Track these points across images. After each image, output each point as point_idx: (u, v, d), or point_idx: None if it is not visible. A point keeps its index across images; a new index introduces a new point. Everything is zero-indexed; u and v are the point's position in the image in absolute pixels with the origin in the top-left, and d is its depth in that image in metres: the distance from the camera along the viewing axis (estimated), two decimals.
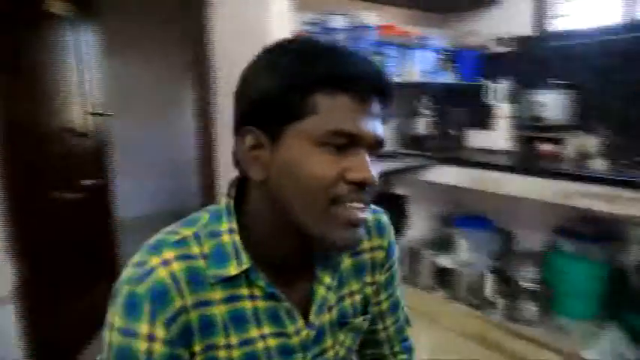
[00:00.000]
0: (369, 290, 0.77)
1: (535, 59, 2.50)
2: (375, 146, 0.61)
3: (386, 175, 2.29)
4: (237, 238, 0.62)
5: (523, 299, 2.30)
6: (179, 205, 4.54)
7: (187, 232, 0.63)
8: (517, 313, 2.29)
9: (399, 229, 2.57)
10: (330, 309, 0.70)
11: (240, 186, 0.67)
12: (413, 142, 2.60)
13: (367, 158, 0.60)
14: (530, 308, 2.27)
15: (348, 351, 0.75)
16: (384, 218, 0.80)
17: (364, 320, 0.76)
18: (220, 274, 0.61)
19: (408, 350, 0.88)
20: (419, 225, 2.81)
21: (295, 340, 0.66)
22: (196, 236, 0.62)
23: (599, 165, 2.06)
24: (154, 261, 0.59)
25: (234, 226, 0.63)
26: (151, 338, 0.56)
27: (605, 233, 2.21)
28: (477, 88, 2.57)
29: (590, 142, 2.22)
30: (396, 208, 2.53)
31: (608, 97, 2.26)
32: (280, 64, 0.59)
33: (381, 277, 0.79)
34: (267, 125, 0.59)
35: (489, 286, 2.44)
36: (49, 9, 1.98)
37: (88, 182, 2.31)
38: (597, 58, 2.27)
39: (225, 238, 0.62)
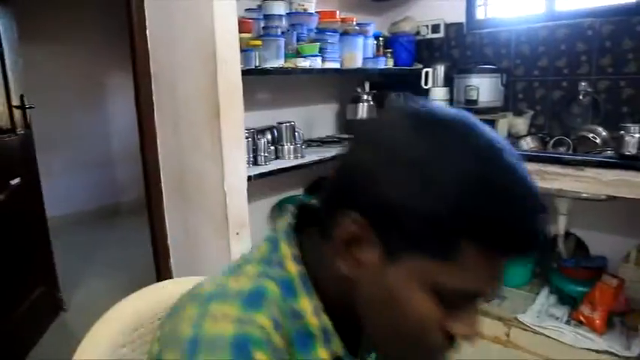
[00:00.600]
0: None
1: (466, 45, 2.64)
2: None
3: (329, 162, 2.33)
4: (325, 318, 0.51)
5: None
6: (112, 200, 4.34)
7: (263, 317, 0.48)
8: None
9: None
10: None
11: (296, 234, 0.55)
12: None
13: (477, 313, 0.50)
14: None
15: None
16: None
17: None
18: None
19: None
20: None
21: None
22: (276, 323, 0.48)
23: (527, 144, 2.23)
24: (256, 331, 0.46)
25: (318, 301, 0.51)
26: None
27: None
28: (413, 74, 2.66)
29: (519, 123, 2.39)
30: None
31: (533, 80, 2.43)
32: (444, 183, 0.43)
33: None
34: (387, 236, 0.47)
35: None
36: None
37: (15, 182, 2.15)
38: (522, 44, 2.44)
39: (312, 321, 0.51)
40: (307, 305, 0.51)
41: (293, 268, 0.52)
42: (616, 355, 1.88)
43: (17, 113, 2.21)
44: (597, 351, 1.91)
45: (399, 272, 0.46)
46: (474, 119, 0.48)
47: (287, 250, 0.53)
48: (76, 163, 4.07)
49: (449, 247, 0.43)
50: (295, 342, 0.50)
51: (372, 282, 0.49)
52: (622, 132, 1.84)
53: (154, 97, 2.07)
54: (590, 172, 1.80)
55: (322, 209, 0.53)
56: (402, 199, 0.44)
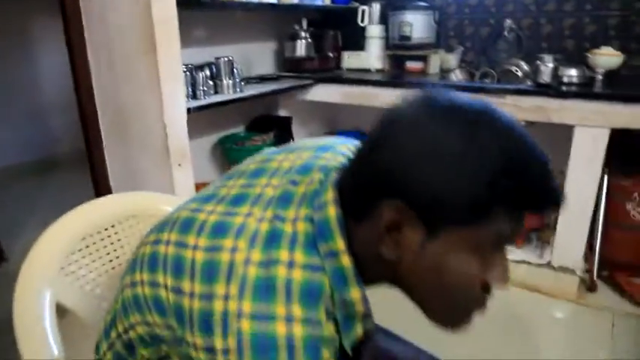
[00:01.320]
0: None
1: None
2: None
3: (268, 97, 2.37)
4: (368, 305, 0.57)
5: None
6: (45, 153, 4.17)
7: (318, 312, 0.51)
8: None
9: None
10: None
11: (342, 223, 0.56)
12: (293, 65, 2.68)
13: (508, 259, 0.57)
14: None
15: None
16: None
17: None
18: (353, 340, 0.56)
19: None
20: None
21: None
22: (327, 312, 0.53)
23: (456, 76, 2.36)
24: (319, 319, 0.51)
25: (358, 287, 0.56)
26: None
27: None
28: (350, 11, 2.70)
29: (450, 59, 2.51)
30: (281, 128, 2.63)
31: (464, 18, 2.54)
32: (480, 168, 0.49)
33: None
34: (431, 218, 0.51)
35: None
36: None
37: None
38: None
39: (359, 308, 0.56)
40: (357, 295, 0.55)
41: (345, 261, 0.54)
42: (530, 263, 2.13)
43: None
44: (516, 261, 2.15)
45: (440, 245, 0.52)
46: (493, 107, 0.54)
47: (341, 243, 0.55)
48: (4, 115, 3.85)
49: (484, 216, 0.50)
50: (341, 325, 0.54)
51: (416, 259, 0.53)
52: (538, 62, 1.99)
53: (85, 34, 2.00)
54: (511, 99, 1.96)
55: (359, 197, 0.56)
56: (445, 187, 0.49)
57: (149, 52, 1.73)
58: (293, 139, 2.74)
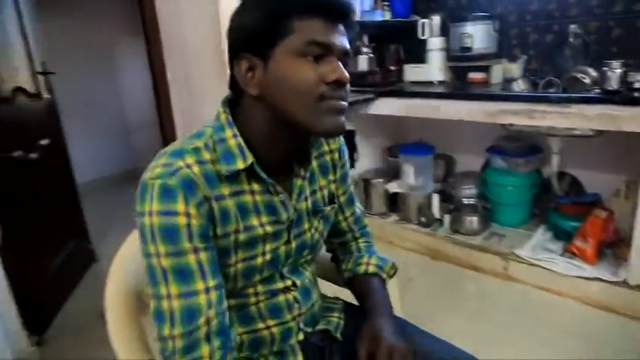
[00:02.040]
0: (332, 186, 0.96)
1: None
2: (344, 56, 0.75)
3: None
4: (241, 140, 0.76)
5: (465, 214, 2.60)
6: (131, 166, 4.55)
7: (199, 143, 0.75)
8: (461, 227, 2.59)
9: (350, 162, 2.77)
10: (306, 199, 0.88)
11: (231, 103, 0.81)
12: (356, 79, 2.76)
13: (339, 64, 0.74)
14: (472, 220, 2.58)
15: (320, 235, 0.93)
16: None
17: (332, 209, 0.95)
18: (230, 169, 0.74)
19: (366, 234, 1.08)
20: (368, 156, 3.03)
21: (285, 224, 0.83)
22: (207, 146, 0.75)
23: (518, 86, 2.33)
24: (180, 163, 0.71)
25: (237, 132, 0.77)
26: (187, 215, 0.69)
27: (529, 148, 2.51)
28: (410, 25, 2.74)
29: (513, 68, 2.48)
30: (346, 142, 2.71)
31: (526, 25, 2.51)
32: (263, 0, 0.73)
33: (338, 174, 0.97)
34: (259, 50, 0.73)
35: (436, 206, 2.72)
36: None
37: (44, 142, 2.34)
38: None
39: (231, 142, 0.76)
40: (229, 133, 0.77)
41: (222, 117, 0.79)
42: (604, 281, 2.03)
43: (41, 79, 2.38)
44: (587, 278, 2.06)
45: (277, 63, 0.72)
46: None
47: (221, 111, 0.80)
48: (93, 130, 4.27)
49: (287, 28, 0.71)
50: (221, 158, 0.75)
51: (270, 83, 0.73)
52: (605, 68, 1.93)
53: (165, 57, 2.22)
54: (575, 108, 1.91)
55: (231, 80, 0.79)
56: (253, 22, 0.72)
57: (222, 72, 1.89)
58: (357, 151, 2.82)
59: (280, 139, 0.79)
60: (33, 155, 2.20)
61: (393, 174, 2.91)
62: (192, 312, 0.69)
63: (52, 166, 2.44)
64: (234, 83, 0.78)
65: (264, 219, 0.80)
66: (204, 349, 0.69)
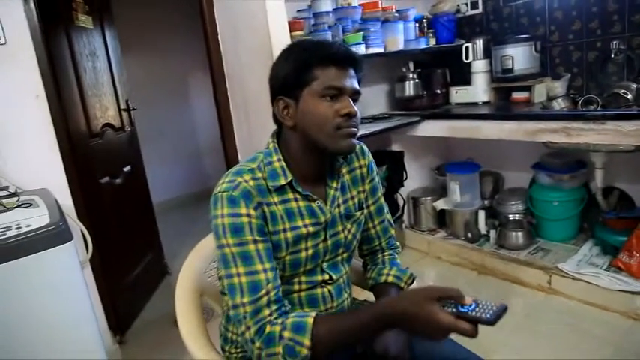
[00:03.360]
0: (362, 196, 1.15)
1: (504, 17, 2.82)
2: (354, 94, 0.99)
3: (381, 134, 2.63)
4: (283, 164, 1.00)
5: (511, 229, 2.66)
6: (199, 188, 4.95)
7: (253, 165, 0.99)
8: (507, 242, 2.65)
9: (399, 181, 2.93)
10: (338, 206, 1.08)
11: (278, 135, 1.05)
12: (403, 104, 2.93)
13: (350, 101, 0.97)
14: (517, 236, 2.64)
15: (353, 237, 1.12)
16: (365, 147, 1.18)
17: (361, 214, 1.14)
18: (276, 184, 0.98)
19: (393, 245, 1.25)
20: (417, 176, 3.17)
21: (322, 225, 1.04)
22: (259, 168, 0.99)
23: (558, 104, 2.39)
24: (239, 179, 0.95)
25: (281, 157, 1.01)
26: (248, 216, 0.92)
27: (574, 163, 2.55)
28: (455, 49, 2.88)
29: (557, 86, 2.54)
30: (395, 162, 2.88)
31: (568, 44, 2.57)
32: (292, 56, 0.99)
33: (367, 187, 1.16)
34: (291, 93, 0.98)
35: (482, 222, 2.80)
36: (80, 23, 2.33)
37: (127, 168, 2.70)
38: (555, 10, 2.58)
39: (276, 165, 1.00)
40: (274, 158, 1.01)
41: (271, 146, 1.03)
42: None
43: (124, 115, 2.76)
44: (632, 292, 2.08)
45: (304, 104, 0.97)
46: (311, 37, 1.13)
47: (270, 141, 1.04)
48: (166, 156, 4.71)
49: (311, 76, 0.95)
50: (268, 177, 0.98)
51: (300, 117, 0.98)
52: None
53: (228, 93, 2.51)
54: (611, 124, 1.96)
55: (272, 113, 1.04)
56: (285, 73, 0.98)
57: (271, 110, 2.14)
58: (405, 172, 2.97)
59: (312, 159, 1.02)
60: (118, 181, 2.56)
61: (441, 192, 3.03)
62: (255, 285, 0.90)
63: (132, 189, 2.79)
64: (275, 118, 1.03)
65: (307, 221, 1.02)
66: (266, 312, 0.89)
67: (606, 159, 2.33)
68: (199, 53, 3.52)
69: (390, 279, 1.17)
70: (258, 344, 0.87)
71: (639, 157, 2.24)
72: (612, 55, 2.37)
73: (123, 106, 2.74)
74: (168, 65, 4.62)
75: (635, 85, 2.21)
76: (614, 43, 2.35)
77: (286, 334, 0.86)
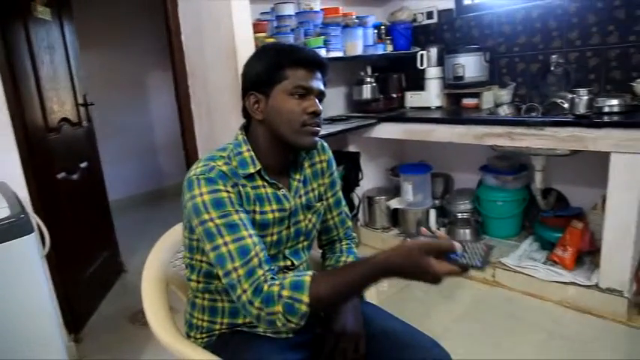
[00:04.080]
0: (321, 189, 1.23)
1: (456, 28, 3.00)
2: (320, 95, 1.07)
3: (339, 135, 2.73)
4: (253, 154, 1.07)
5: (460, 227, 2.83)
6: (156, 186, 4.90)
7: (224, 154, 1.06)
8: (455, 239, 2.79)
9: (355, 181, 3.04)
10: (300, 196, 1.16)
11: (246, 128, 1.13)
12: (360, 106, 3.05)
13: (316, 100, 1.06)
14: (465, 233, 2.80)
15: (313, 226, 1.20)
16: (325, 143, 1.26)
17: (321, 205, 1.22)
18: (246, 172, 1.05)
19: (350, 236, 1.34)
20: (372, 176, 3.29)
21: (287, 212, 1.11)
22: (229, 157, 1.06)
23: (504, 111, 2.58)
24: (213, 164, 1.01)
25: (250, 147, 1.08)
26: (227, 191, 0.98)
27: (517, 166, 2.74)
28: (410, 56, 3.03)
29: (503, 94, 2.72)
30: (351, 162, 2.99)
31: (514, 56, 2.77)
32: (266, 56, 1.07)
33: (327, 180, 1.24)
34: (262, 89, 1.06)
35: (433, 220, 2.95)
36: (38, 15, 2.29)
37: (83, 164, 2.67)
38: (503, 24, 2.77)
39: (246, 154, 1.07)
40: (244, 148, 1.08)
41: (240, 137, 1.10)
42: (579, 285, 2.24)
43: (82, 110, 2.73)
44: (565, 283, 2.28)
45: (273, 100, 1.05)
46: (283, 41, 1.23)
47: (239, 133, 1.11)
48: (125, 153, 4.63)
49: (282, 76, 1.03)
50: (238, 165, 1.05)
51: (270, 112, 1.05)
52: (574, 95, 2.17)
53: (190, 91, 2.54)
54: (549, 130, 2.15)
55: (242, 107, 1.11)
56: (258, 72, 1.05)
57: (237, 105, 2.18)
58: (361, 172, 3.08)
59: (277, 151, 1.10)
60: (74, 176, 2.53)
61: (395, 192, 3.16)
62: (244, 249, 0.95)
63: (89, 185, 2.76)
64: (245, 112, 1.10)
65: (274, 206, 1.09)
66: (260, 272, 0.93)
67: (545, 162, 2.53)
68: (160, 50, 3.52)
69: None
70: (257, 304, 0.91)
71: (574, 161, 2.45)
72: (552, 68, 2.58)
73: (80, 101, 2.71)
74: (127, 62, 4.54)
75: (570, 96, 2.41)
76: (554, 57, 2.56)
77: (285, 292, 0.90)
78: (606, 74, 2.44)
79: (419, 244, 0.87)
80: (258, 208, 1.06)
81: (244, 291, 0.92)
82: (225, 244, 0.95)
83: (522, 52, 2.73)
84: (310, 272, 0.93)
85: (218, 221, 0.96)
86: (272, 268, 0.97)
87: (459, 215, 2.87)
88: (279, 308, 0.89)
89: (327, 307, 0.94)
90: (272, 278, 0.94)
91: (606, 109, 2.13)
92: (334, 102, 3.16)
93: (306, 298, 0.89)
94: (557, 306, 2.26)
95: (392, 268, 0.88)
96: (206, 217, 0.96)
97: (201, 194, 0.97)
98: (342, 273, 0.96)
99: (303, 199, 1.17)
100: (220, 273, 0.96)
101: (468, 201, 2.92)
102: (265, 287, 0.91)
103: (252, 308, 0.91)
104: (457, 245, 0.85)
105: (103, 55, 4.31)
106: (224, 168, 1.01)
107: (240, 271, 0.93)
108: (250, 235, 0.97)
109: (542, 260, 2.47)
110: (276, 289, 0.91)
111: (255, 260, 0.94)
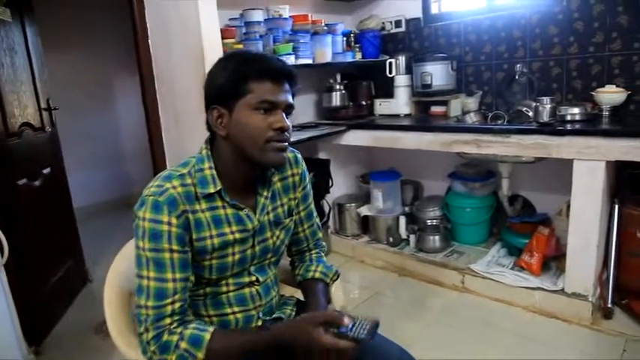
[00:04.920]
0: (292, 203, 1.20)
1: (424, 37, 3.04)
2: (287, 109, 1.01)
3: (309, 142, 2.73)
4: (214, 172, 1.02)
5: (429, 234, 2.85)
6: (122, 193, 4.78)
7: (184, 170, 1.01)
8: (425, 245, 2.84)
9: (325, 188, 3.03)
10: (268, 213, 1.12)
11: (211, 142, 1.07)
12: (330, 113, 3.06)
13: (283, 115, 0.99)
14: (435, 240, 2.83)
15: (281, 242, 1.17)
16: (299, 155, 1.23)
17: (290, 221, 1.19)
18: (205, 192, 1.00)
19: (320, 246, 1.32)
20: (342, 183, 3.29)
21: (250, 232, 1.07)
22: (189, 173, 1.01)
23: (470, 118, 2.63)
24: (167, 185, 0.96)
25: (212, 165, 1.03)
26: (169, 224, 0.94)
27: (484, 173, 2.79)
28: (379, 64, 3.06)
29: (470, 102, 2.77)
30: (321, 170, 2.98)
31: (480, 65, 2.82)
32: (229, 66, 0.99)
33: (299, 194, 1.21)
34: (225, 103, 0.99)
35: (403, 227, 2.97)
36: None
37: (46, 170, 2.59)
38: (469, 34, 2.83)
39: (207, 172, 1.02)
40: (206, 165, 1.03)
41: (204, 152, 1.05)
42: (546, 290, 2.28)
43: (45, 114, 2.65)
44: (532, 288, 2.31)
45: (237, 114, 0.98)
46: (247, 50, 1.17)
47: (204, 147, 1.06)
48: (91, 159, 4.52)
49: (245, 89, 0.96)
50: (198, 183, 1.00)
51: (234, 127, 0.99)
52: (537, 104, 2.23)
53: (157, 96, 2.49)
54: (515, 138, 2.19)
55: (206, 121, 1.05)
56: (222, 84, 0.98)
57: (204, 114, 2.16)
58: (331, 179, 3.08)
59: (242, 168, 1.04)
60: (36, 183, 2.45)
61: (365, 199, 3.18)
62: (162, 293, 0.93)
63: (52, 192, 2.67)
64: (209, 126, 1.04)
65: (234, 227, 1.04)
66: (167, 321, 0.93)
67: (512, 169, 2.59)
68: (127, 55, 3.45)
69: (317, 275, 1.23)
70: (152, 348, 0.92)
71: (539, 168, 2.51)
72: (517, 77, 2.65)
73: (43, 105, 2.63)
74: (94, 65, 4.43)
75: (534, 104, 2.47)
76: (519, 66, 2.62)
77: (183, 344, 0.91)
78: (568, 83, 2.52)
79: (311, 315, 0.94)
80: (214, 232, 1.02)
81: (147, 330, 0.93)
82: (148, 278, 0.94)
83: (488, 60, 2.79)
84: (211, 329, 0.95)
85: (149, 254, 0.94)
86: (184, 318, 0.96)
87: (429, 222, 2.90)
88: (172, 358, 0.91)
89: None
90: (176, 327, 0.94)
91: (568, 118, 2.19)
92: (304, 109, 3.16)
93: (201, 355, 0.91)
94: (525, 311, 2.29)
95: (287, 340, 0.92)
96: (141, 244, 0.95)
97: (144, 219, 0.94)
98: (241, 339, 0.97)
99: (271, 215, 1.13)
100: (135, 299, 0.96)
101: (437, 208, 2.95)
102: (165, 336, 0.92)
103: (147, 349, 0.93)
104: (347, 320, 0.89)
105: (69, 57, 4.21)
106: (179, 190, 0.97)
107: (150, 312, 0.93)
108: (174, 280, 0.95)
109: (510, 266, 2.51)
110: (175, 338, 0.92)
111: (169, 308, 0.93)
